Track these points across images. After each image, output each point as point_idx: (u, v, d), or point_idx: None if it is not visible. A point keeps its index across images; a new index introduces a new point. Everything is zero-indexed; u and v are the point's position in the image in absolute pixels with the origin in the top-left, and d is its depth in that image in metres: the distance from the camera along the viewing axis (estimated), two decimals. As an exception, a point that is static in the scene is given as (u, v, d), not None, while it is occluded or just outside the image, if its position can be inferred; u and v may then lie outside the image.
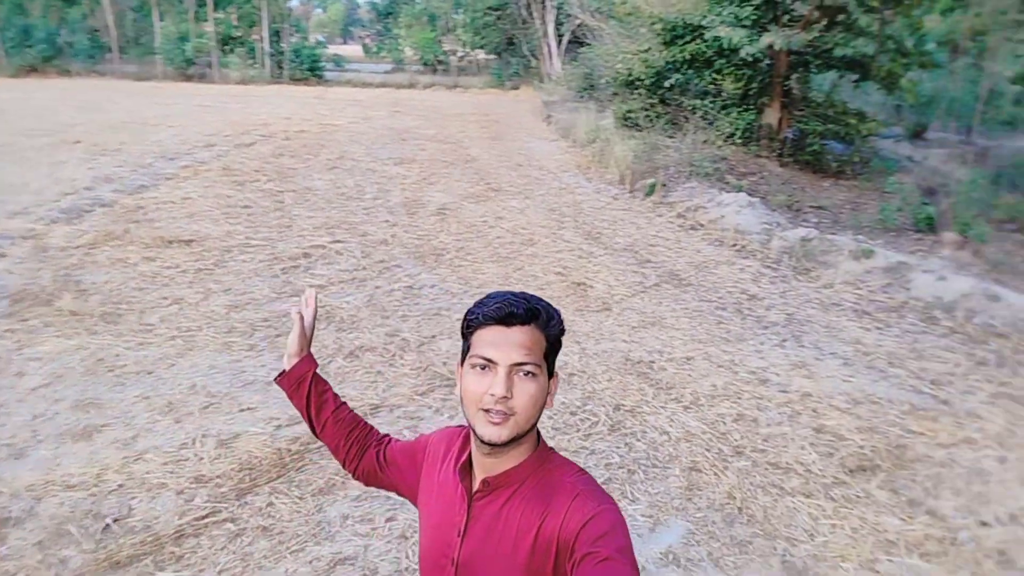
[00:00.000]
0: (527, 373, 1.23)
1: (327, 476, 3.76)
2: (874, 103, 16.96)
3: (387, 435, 1.67)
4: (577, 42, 28.25)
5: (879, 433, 4.38)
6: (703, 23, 11.74)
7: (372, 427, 1.68)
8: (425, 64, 37.27)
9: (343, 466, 1.65)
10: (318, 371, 1.65)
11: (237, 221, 8.55)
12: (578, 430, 4.32)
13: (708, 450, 4.18)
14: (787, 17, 11.58)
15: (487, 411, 1.22)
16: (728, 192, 9.55)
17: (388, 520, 3.48)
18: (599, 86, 18.46)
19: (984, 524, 3.58)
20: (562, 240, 8.32)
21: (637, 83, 13.69)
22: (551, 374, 1.30)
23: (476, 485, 1.33)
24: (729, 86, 12.14)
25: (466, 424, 1.42)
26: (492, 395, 1.21)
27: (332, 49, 40.98)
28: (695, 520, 3.58)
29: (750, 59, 11.34)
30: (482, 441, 1.25)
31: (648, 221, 9.29)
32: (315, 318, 1.67)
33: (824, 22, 11.06)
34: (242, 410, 4.40)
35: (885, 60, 11.74)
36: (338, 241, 7.96)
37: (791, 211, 9.54)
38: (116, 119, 16.49)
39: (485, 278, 7.01)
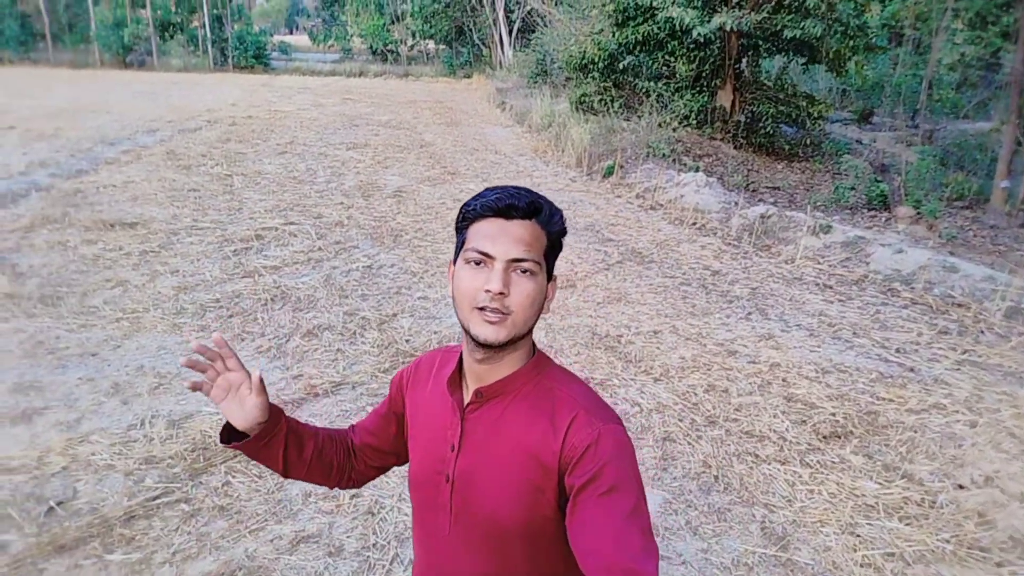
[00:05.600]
0: (525, 271, 1.12)
1: (288, 456, 3.57)
2: (821, 88, 17.24)
3: (350, 427, 1.50)
4: (527, 30, 28.13)
5: (849, 400, 4.37)
6: (654, 4, 11.68)
7: (344, 432, 1.48)
8: (374, 53, 36.60)
9: (336, 487, 1.47)
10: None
11: (184, 204, 8.20)
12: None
13: (681, 420, 4.11)
14: (735, -2, 11.61)
15: (482, 309, 1.12)
16: (686, 172, 9.53)
17: (353, 497, 3.32)
18: (552, 71, 18.34)
19: (961, 487, 3.57)
20: (522, 220, 8.18)
21: (590, 66, 13.60)
22: (549, 276, 1.19)
23: (469, 397, 1.23)
24: (682, 68, 12.13)
25: (449, 346, 1.37)
26: (487, 291, 1.10)
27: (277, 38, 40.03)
28: (671, 490, 3.49)
29: (702, 40, 11.34)
30: (477, 343, 1.14)
31: (607, 202, 9.21)
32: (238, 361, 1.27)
33: (773, 2, 11.12)
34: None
35: (833, 42, 11.85)
36: (291, 223, 7.70)
37: (747, 191, 9.57)
38: (52, 105, 15.76)
39: (446, 257, 6.85)
